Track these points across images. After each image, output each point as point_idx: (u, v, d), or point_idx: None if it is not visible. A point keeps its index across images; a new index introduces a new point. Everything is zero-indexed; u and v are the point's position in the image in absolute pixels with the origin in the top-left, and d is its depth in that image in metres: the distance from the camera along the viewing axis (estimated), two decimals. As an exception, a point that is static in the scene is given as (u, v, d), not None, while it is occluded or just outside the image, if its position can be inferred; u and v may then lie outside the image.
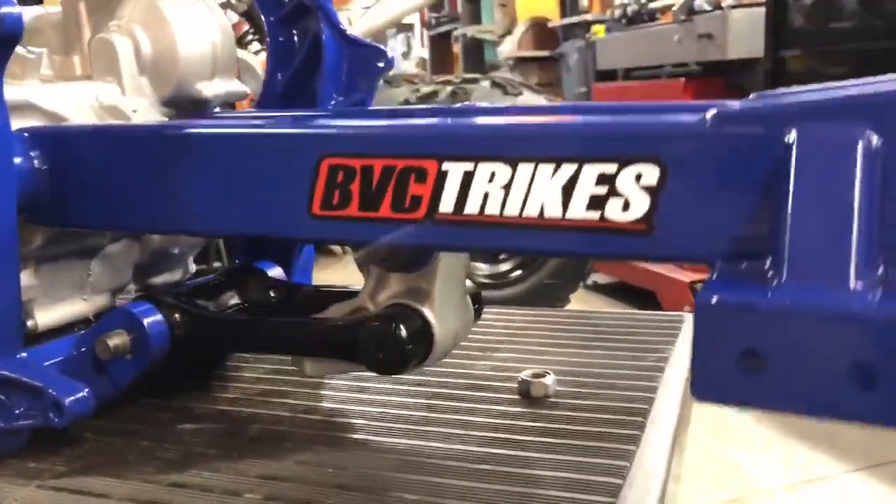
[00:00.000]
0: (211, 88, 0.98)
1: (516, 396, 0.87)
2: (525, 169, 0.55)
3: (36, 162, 0.75)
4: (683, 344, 0.99)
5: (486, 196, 0.57)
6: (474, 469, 0.72)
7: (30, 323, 0.86)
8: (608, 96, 5.10)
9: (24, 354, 0.77)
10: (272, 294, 0.93)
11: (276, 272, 0.98)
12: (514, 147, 0.56)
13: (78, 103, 0.86)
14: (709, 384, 0.46)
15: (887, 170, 0.45)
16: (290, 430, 0.81)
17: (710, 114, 0.51)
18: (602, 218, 0.53)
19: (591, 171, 0.53)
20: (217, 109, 1.01)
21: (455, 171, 0.57)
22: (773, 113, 0.49)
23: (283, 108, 1.04)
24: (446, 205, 0.58)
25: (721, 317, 0.45)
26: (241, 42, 2.92)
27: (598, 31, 5.47)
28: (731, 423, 3.79)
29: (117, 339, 0.78)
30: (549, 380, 0.86)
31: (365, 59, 1.02)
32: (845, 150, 0.46)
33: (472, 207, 0.57)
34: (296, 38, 1.02)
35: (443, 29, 9.41)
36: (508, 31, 7.51)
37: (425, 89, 2.87)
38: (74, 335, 0.83)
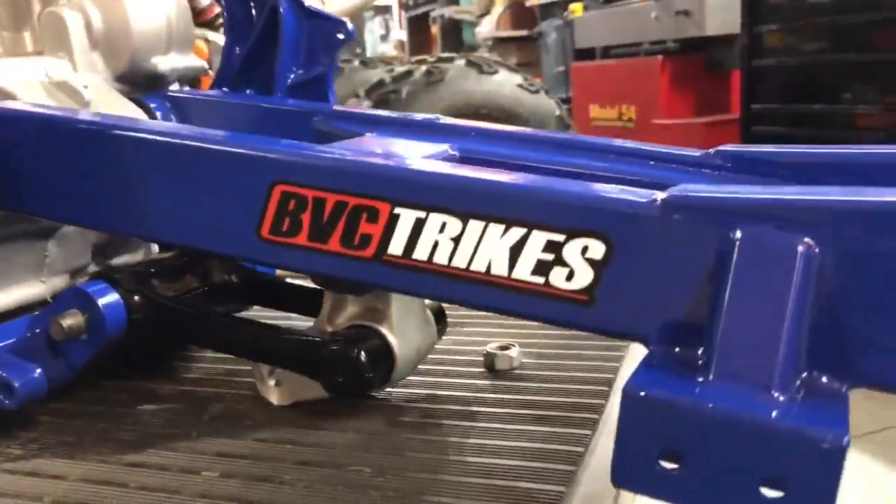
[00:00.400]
0: (166, 63, 0.96)
1: (482, 369, 0.86)
2: (476, 225, 0.55)
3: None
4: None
5: (435, 244, 0.56)
6: (437, 441, 0.71)
7: (-16, 306, 0.84)
8: (586, 75, 5.08)
9: (-26, 337, 0.75)
10: (233, 278, 0.91)
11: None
12: (466, 202, 0.56)
13: (27, 79, 0.84)
14: (628, 473, 0.47)
15: (822, 278, 0.46)
16: (252, 409, 0.79)
17: (661, 197, 0.50)
18: (546, 283, 0.53)
19: (539, 237, 0.53)
20: (175, 85, 0.99)
21: (407, 216, 0.57)
22: (720, 208, 0.49)
23: (242, 84, 1.03)
24: (395, 247, 0.57)
25: (645, 410, 0.46)
26: (213, 24, 2.88)
27: (576, 9, 5.44)
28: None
29: (71, 320, 0.76)
30: (515, 352, 0.86)
31: (324, 31, 1.00)
32: (784, 255, 0.46)
33: (420, 254, 0.57)
34: (253, 11, 1.00)
35: (420, 10, 9.33)
36: (486, 12, 7.46)
37: (400, 69, 2.84)
38: (29, 316, 0.81)
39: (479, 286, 0.56)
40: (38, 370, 0.73)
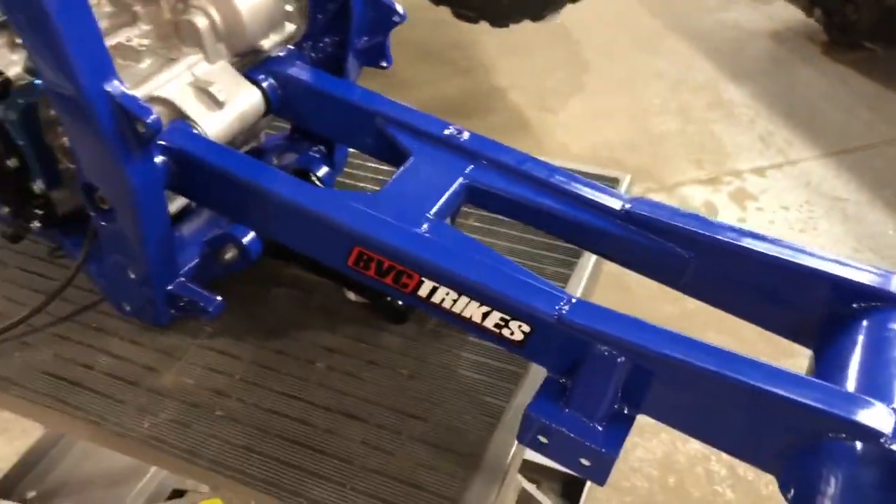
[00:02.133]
0: (268, 42, 1.31)
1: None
2: (465, 298, 1.00)
3: (169, 166, 1.15)
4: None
5: (443, 298, 1.02)
6: (447, 352, 1.24)
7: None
8: None
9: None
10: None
11: (322, 172, 1.40)
12: (460, 287, 1.00)
13: (180, 85, 1.22)
14: (522, 439, 0.99)
15: (627, 376, 0.95)
16: (339, 303, 1.31)
17: (562, 310, 0.96)
18: (500, 332, 1.00)
19: (497, 313, 0.99)
20: (275, 52, 1.34)
21: (427, 283, 1.02)
22: (586, 332, 0.94)
23: (323, 39, 1.36)
24: (423, 292, 1.03)
25: (531, 420, 0.97)
26: None
27: None
28: (725, 97, 4.16)
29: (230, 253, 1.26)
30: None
31: (383, 13, 1.32)
32: (609, 361, 0.93)
33: (436, 299, 1.02)
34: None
35: None
36: None
37: None
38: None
39: (467, 322, 1.04)
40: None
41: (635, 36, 4.77)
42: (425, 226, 1.08)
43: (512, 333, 1.01)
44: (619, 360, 0.94)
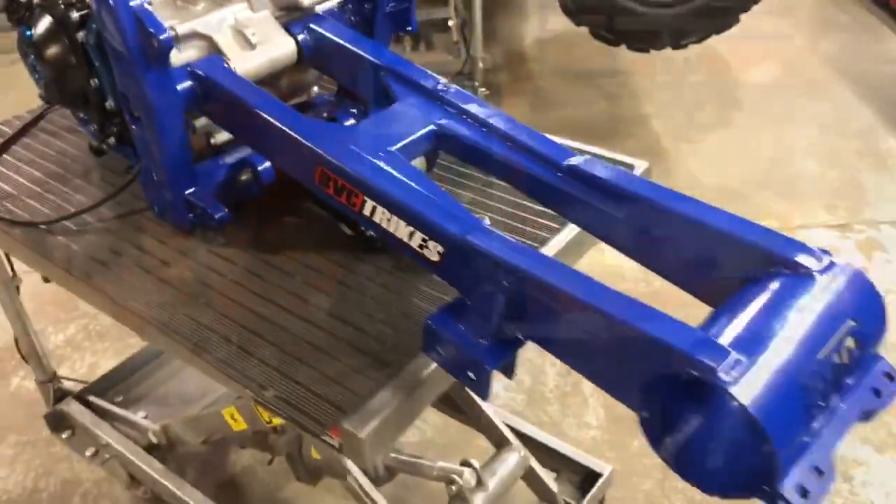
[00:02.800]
0: (309, 0, 1.50)
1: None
2: (396, 218, 1.13)
3: (195, 90, 1.36)
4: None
5: (381, 217, 1.15)
6: (412, 287, 1.35)
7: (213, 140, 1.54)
8: None
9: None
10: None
11: (349, 124, 1.57)
12: (394, 209, 1.13)
13: (220, 25, 1.43)
14: (427, 349, 1.11)
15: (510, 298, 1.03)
16: (336, 235, 1.46)
17: (466, 231, 1.06)
18: (422, 251, 1.11)
19: (419, 234, 1.11)
20: (316, 8, 1.53)
21: (369, 202, 1.15)
22: (487, 256, 1.03)
23: (362, 4, 1.54)
24: (366, 211, 1.16)
25: (431, 331, 1.08)
26: None
27: None
28: (882, 146, 3.93)
29: (245, 175, 1.45)
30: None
31: (408, -18, 1.47)
32: (496, 283, 1.03)
33: (376, 218, 1.15)
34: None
35: None
36: None
37: None
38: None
39: (399, 242, 1.15)
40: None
41: (799, 79, 4.60)
42: (380, 155, 1.21)
43: (430, 252, 1.11)
44: (503, 282, 1.02)
